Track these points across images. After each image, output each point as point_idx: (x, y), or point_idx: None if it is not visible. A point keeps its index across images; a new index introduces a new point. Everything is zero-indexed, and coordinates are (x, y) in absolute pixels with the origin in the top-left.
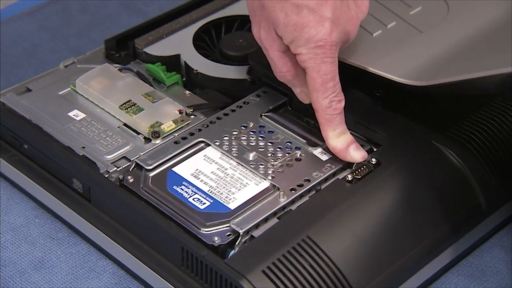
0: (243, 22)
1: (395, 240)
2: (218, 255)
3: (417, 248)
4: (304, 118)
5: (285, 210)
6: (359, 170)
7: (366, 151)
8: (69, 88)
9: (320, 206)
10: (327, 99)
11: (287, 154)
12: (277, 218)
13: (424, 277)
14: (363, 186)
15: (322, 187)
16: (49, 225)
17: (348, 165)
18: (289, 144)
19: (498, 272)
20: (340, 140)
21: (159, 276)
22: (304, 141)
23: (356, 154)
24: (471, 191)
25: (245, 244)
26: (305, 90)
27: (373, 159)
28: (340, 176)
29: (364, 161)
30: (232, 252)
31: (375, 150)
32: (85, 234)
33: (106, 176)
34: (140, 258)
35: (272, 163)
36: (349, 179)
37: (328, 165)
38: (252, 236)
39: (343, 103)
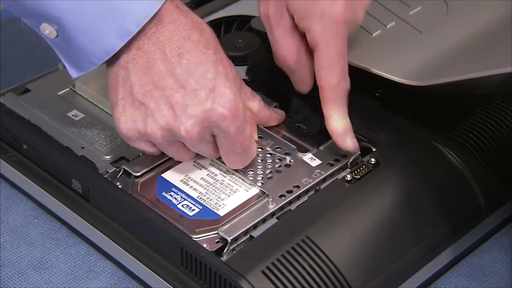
0: (243, 22)
1: (395, 240)
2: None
3: (416, 248)
4: (295, 124)
5: (274, 216)
6: (358, 170)
7: (365, 151)
8: (68, 89)
9: (319, 206)
10: (337, 77)
11: (277, 160)
12: (276, 218)
13: (424, 277)
14: (362, 186)
15: (321, 187)
16: (48, 225)
17: (337, 171)
18: (279, 149)
19: (497, 272)
20: (341, 123)
21: (158, 277)
22: (294, 146)
23: (351, 142)
24: (471, 191)
25: (244, 245)
26: (303, 77)
27: (372, 159)
28: (339, 176)
29: (363, 161)
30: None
31: (374, 150)
32: (84, 235)
33: (105, 176)
34: (139, 259)
35: (261, 169)
36: (348, 179)
37: (318, 171)
38: (251, 236)
39: (349, 86)
